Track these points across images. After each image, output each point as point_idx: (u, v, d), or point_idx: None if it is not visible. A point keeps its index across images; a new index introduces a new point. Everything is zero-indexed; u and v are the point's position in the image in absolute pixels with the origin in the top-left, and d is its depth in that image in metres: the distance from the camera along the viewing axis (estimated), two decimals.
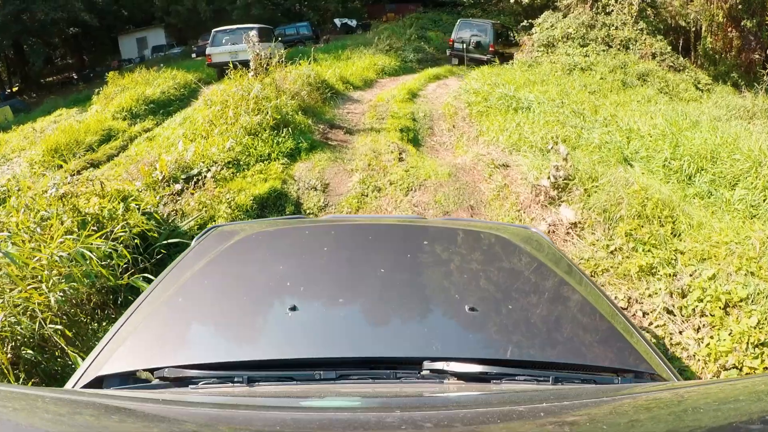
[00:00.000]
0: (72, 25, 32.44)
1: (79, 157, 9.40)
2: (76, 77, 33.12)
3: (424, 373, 1.17)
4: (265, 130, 6.65)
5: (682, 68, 15.57)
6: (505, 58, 15.74)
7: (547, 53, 14.56)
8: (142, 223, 3.90)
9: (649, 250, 4.30)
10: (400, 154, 6.73)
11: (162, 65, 20.38)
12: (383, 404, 1.01)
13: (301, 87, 9.24)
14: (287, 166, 6.20)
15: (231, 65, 9.78)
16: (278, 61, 9.73)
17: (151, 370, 1.17)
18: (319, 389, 1.13)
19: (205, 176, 5.65)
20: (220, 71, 13.60)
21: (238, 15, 28.82)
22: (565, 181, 4.91)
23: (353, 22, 27.96)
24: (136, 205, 4.22)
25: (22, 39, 30.99)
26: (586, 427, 0.72)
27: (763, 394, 0.81)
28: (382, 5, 33.96)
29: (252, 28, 15.23)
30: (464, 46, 16.02)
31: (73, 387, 1.18)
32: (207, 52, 15.10)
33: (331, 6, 30.58)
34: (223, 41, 14.54)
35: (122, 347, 1.27)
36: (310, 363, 1.21)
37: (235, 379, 1.13)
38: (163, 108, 12.32)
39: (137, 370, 1.18)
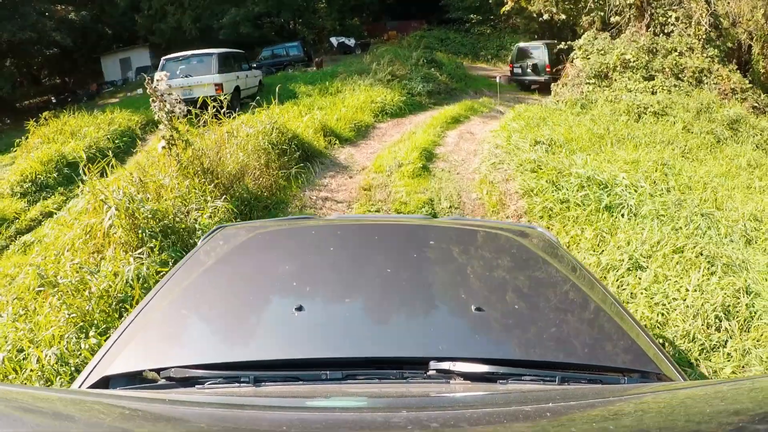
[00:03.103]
0: (46, 46, 29.80)
1: None
2: (54, 101, 30.53)
3: (430, 373, 1.15)
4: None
5: (766, 108, 12.12)
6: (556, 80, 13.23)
7: (600, 86, 11.13)
8: None
9: None
10: None
11: (140, 90, 17.23)
12: (390, 404, 1.02)
13: (249, 157, 5.86)
14: None
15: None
16: (225, 112, 6.34)
17: (158, 370, 1.16)
18: (325, 389, 1.12)
19: None
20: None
21: (226, 34, 25.88)
22: None
23: (351, 41, 24.86)
24: None
25: None
26: (592, 427, 0.70)
27: None
28: (382, 23, 31.04)
29: (210, 54, 11.98)
30: (523, 71, 15.94)
31: (79, 387, 1.17)
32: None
33: (327, 24, 27.44)
34: (177, 72, 11.16)
35: (129, 347, 1.26)
36: (316, 363, 1.19)
37: (242, 380, 1.12)
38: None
39: (144, 370, 1.18)
